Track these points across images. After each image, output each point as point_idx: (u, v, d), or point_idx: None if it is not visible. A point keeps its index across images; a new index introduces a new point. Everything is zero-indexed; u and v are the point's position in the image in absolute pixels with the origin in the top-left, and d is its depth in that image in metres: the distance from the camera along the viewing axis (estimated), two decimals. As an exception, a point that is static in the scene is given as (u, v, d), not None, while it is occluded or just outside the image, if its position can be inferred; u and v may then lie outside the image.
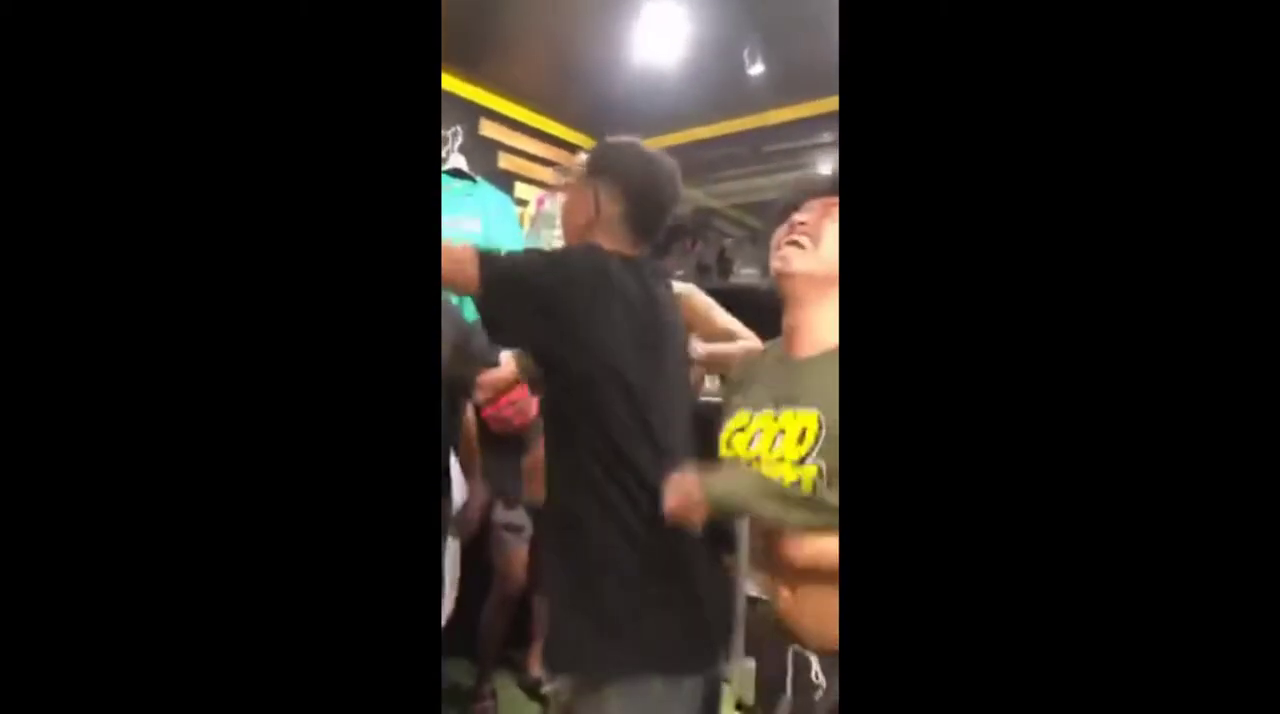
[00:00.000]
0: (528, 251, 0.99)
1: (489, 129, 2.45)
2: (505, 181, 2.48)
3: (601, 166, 0.99)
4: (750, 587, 1.65)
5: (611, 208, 0.96)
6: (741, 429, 0.83)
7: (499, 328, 0.93)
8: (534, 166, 2.63)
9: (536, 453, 1.50)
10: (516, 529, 1.77)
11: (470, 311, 2.04)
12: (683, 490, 0.74)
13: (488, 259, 0.86)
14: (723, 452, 0.85)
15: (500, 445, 1.71)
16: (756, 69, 2.02)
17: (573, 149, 2.77)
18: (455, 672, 1.89)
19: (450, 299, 1.57)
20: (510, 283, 0.87)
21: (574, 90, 2.46)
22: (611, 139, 1.04)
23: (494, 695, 1.84)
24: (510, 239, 2.22)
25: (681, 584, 0.86)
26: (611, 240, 0.96)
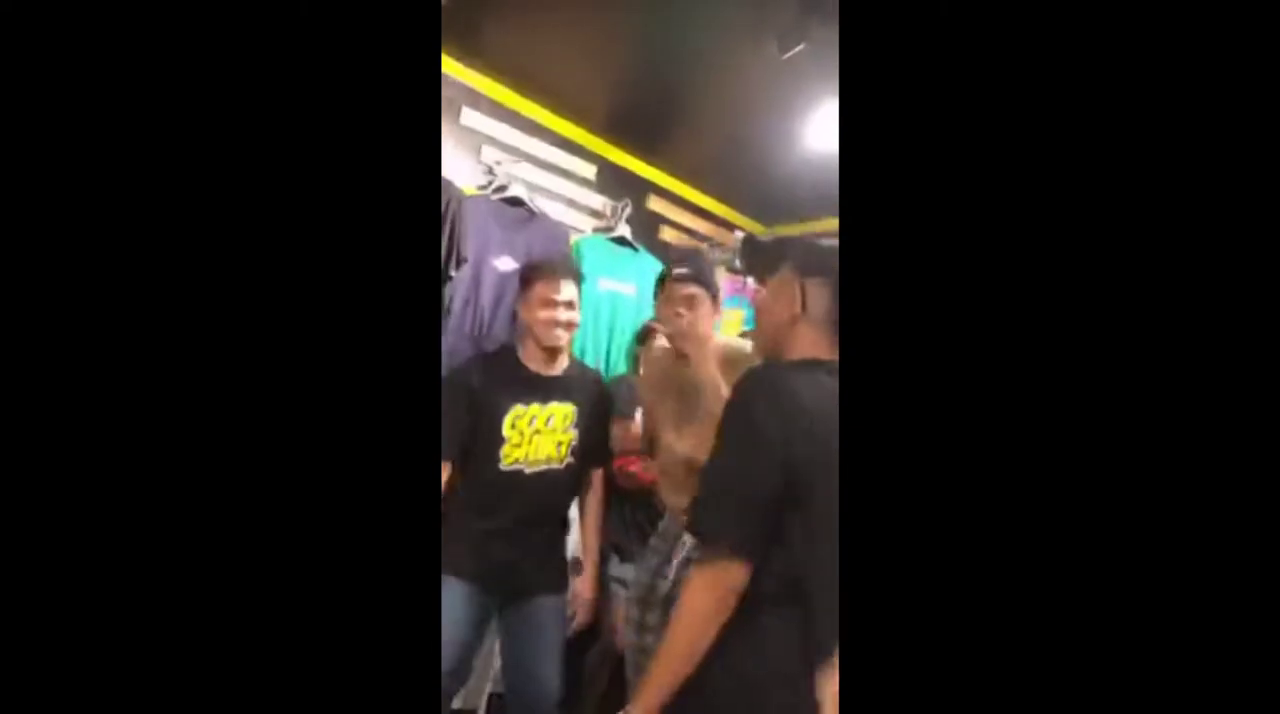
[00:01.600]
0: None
1: (655, 203, 2.63)
2: (663, 252, 2.63)
3: (810, 266, 0.97)
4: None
5: (819, 306, 0.94)
6: None
7: None
8: (691, 241, 2.77)
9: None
10: (627, 584, 1.78)
11: (623, 364, 2.16)
12: None
13: None
14: None
15: (623, 499, 1.76)
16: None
17: (730, 227, 2.89)
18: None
19: (587, 357, 1.68)
20: None
21: (739, 173, 2.59)
22: (822, 239, 1.01)
23: (584, 751, 1.82)
24: (660, 305, 2.34)
25: None
26: (810, 340, 0.94)
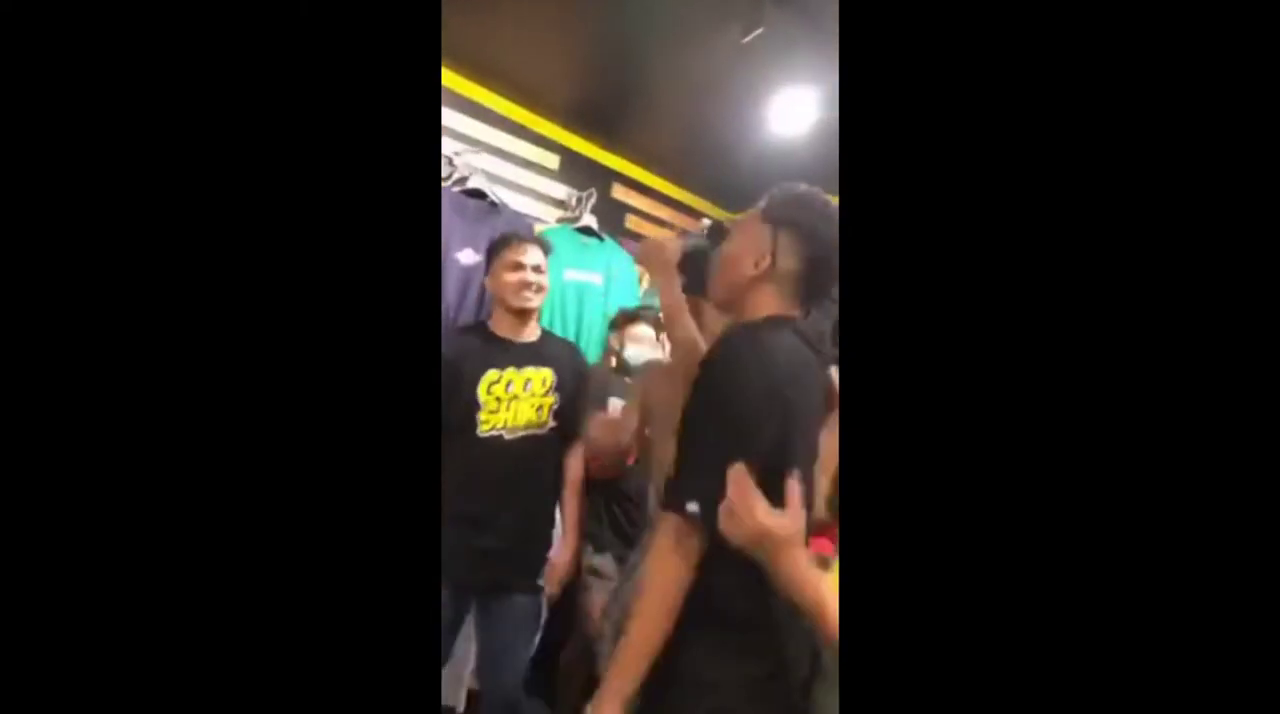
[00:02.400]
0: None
1: (619, 192, 2.61)
2: (630, 241, 2.62)
3: (785, 215, 0.88)
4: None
5: (789, 262, 0.86)
6: None
7: None
8: (658, 229, 2.76)
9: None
10: (602, 575, 1.78)
11: (592, 355, 2.15)
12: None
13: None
14: None
15: (595, 488, 1.75)
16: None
17: (696, 215, 2.88)
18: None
19: (570, 339, 1.66)
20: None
21: (702, 159, 2.58)
22: (799, 186, 0.91)
23: (565, 743, 1.82)
24: (628, 295, 2.33)
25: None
26: (774, 298, 0.87)
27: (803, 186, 0.91)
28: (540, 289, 1.44)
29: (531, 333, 1.48)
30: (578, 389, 1.51)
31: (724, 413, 0.76)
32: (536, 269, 1.43)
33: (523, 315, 1.45)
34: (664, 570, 0.77)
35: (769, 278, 0.87)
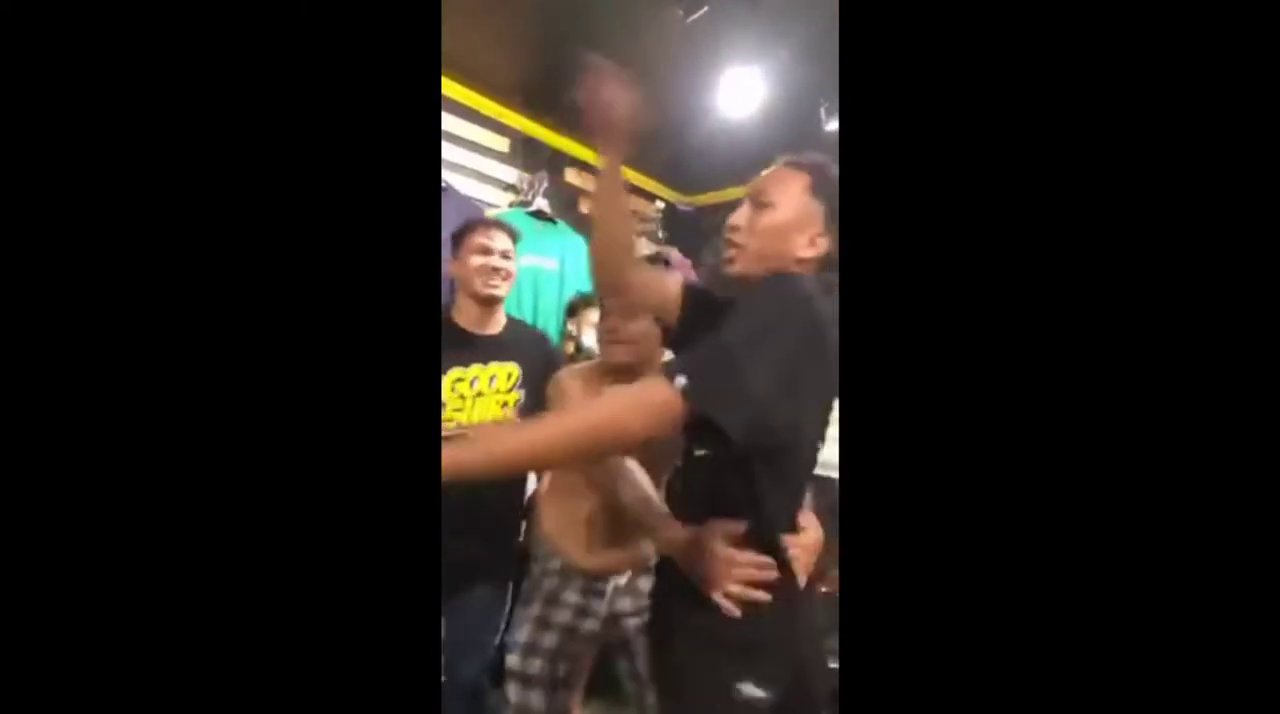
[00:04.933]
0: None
1: (572, 176, 2.59)
2: (584, 225, 2.60)
3: (829, 192, 0.79)
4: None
5: (831, 238, 0.79)
6: None
7: None
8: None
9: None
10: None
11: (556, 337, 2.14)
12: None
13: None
14: None
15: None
16: (831, 124, 2.06)
17: (650, 197, 2.88)
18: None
19: (538, 327, 1.63)
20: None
21: (654, 141, 2.57)
22: (822, 158, 0.83)
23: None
24: (584, 280, 2.32)
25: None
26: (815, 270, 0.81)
27: (821, 159, 0.83)
28: (508, 276, 1.39)
29: (496, 324, 1.44)
30: (544, 374, 1.48)
31: (767, 347, 0.66)
32: (504, 255, 1.38)
33: (488, 305, 1.40)
34: (613, 405, 0.67)
35: (820, 262, 0.79)
